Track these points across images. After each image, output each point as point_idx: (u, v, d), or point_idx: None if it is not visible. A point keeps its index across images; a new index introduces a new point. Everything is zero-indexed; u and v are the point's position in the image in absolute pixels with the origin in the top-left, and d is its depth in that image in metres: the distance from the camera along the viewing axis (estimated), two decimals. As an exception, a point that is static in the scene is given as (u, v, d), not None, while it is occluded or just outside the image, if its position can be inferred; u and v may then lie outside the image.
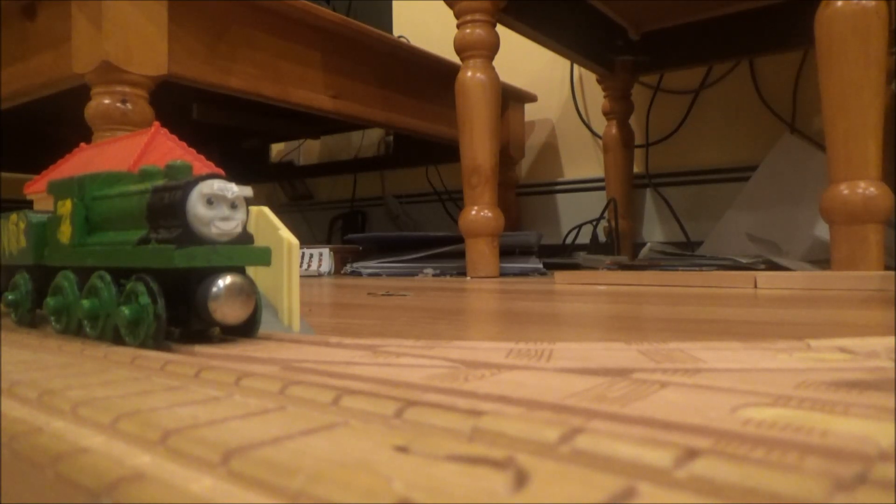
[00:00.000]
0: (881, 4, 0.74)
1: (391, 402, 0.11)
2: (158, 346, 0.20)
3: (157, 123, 0.39)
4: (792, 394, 0.12)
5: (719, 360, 0.15)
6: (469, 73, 1.00)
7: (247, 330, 0.22)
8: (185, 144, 0.38)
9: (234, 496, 0.08)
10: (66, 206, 0.24)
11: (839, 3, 0.74)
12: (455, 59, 1.03)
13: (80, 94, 0.81)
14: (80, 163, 0.40)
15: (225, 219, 0.20)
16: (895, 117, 1.18)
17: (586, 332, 0.34)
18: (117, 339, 0.21)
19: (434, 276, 1.07)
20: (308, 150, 1.98)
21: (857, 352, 0.16)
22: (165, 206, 0.20)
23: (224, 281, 0.20)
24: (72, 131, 0.85)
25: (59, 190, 0.25)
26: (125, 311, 0.20)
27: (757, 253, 1.06)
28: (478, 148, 1.01)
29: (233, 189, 0.21)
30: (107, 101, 0.78)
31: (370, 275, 1.10)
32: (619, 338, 0.31)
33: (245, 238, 0.21)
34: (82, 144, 0.44)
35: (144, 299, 0.20)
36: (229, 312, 0.20)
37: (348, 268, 1.16)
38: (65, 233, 0.24)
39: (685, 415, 0.10)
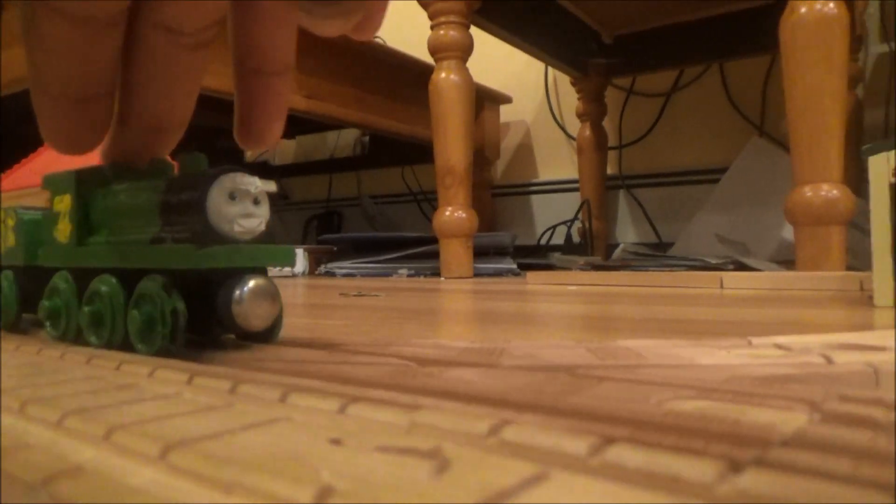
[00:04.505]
0: (843, 11, 0.76)
1: (337, 399, 0.12)
2: (178, 353, 0.18)
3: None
4: (718, 387, 0.12)
5: (660, 357, 0.16)
6: (443, 75, 1.00)
7: (268, 335, 0.20)
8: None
9: (172, 487, 0.08)
10: (65, 202, 0.22)
11: (802, 10, 0.76)
12: (430, 60, 1.03)
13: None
14: (45, 161, 0.40)
15: (248, 215, 0.19)
16: (859, 121, 1.21)
17: (548, 331, 0.35)
18: (126, 348, 0.19)
19: (408, 276, 1.07)
20: (283, 150, 1.97)
21: (792, 348, 0.17)
22: (182, 202, 0.19)
23: (248, 283, 0.18)
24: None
25: (56, 184, 0.23)
26: (137, 315, 0.18)
27: (726, 254, 1.08)
28: (451, 149, 1.01)
29: (256, 183, 0.19)
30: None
31: (344, 275, 1.10)
32: (580, 337, 0.32)
33: (267, 236, 0.19)
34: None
35: (161, 302, 0.18)
36: (254, 317, 0.18)
37: (322, 268, 1.16)
38: (63, 231, 0.22)
39: (613, 407, 0.11)
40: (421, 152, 1.38)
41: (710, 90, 1.42)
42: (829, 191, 0.75)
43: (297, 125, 1.44)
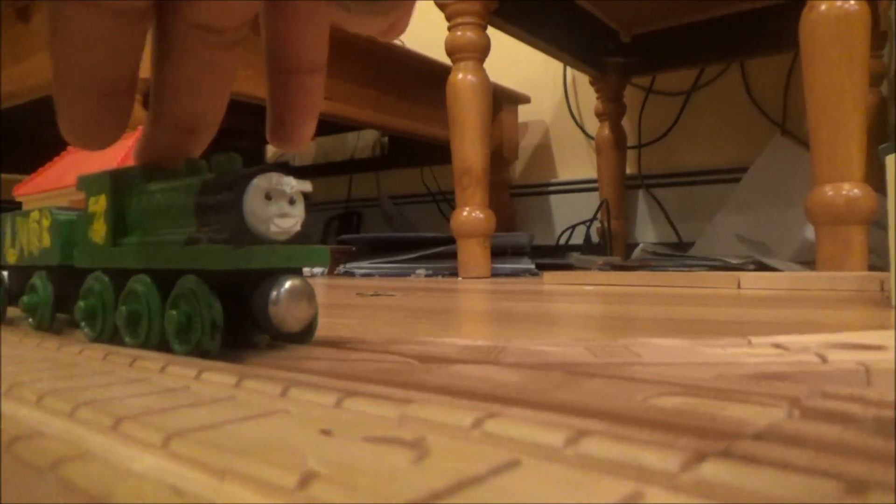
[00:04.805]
0: (864, 8, 0.75)
1: (334, 393, 0.12)
2: (215, 354, 0.18)
3: (140, 127, 0.40)
4: (705, 384, 0.12)
5: (656, 356, 0.16)
6: (460, 76, 1.01)
7: (303, 337, 0.20)
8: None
9: (171, 473, 0.09)
10: (100, 203, 0.22)
11: (823, 7, 0.75)
12: (448, 61, 1.04)
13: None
14: (66, 166, 0.41)
15: (284, 215, 0.18)
16: (883, 119, 1.19)
17: (557, 330, 0.35)
18: (163, 347, 0.19)
19: (426, 276, 1.08)
20: (303, 151, 1.99)
21: (790, 348, 0.17)
22: (218, 202, 0.18)
23: (285, 284, 0.18)
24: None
25: (91, 185, 0.23)
26: (175, 315, 0.18)
27: (747, 254, 1.07)
28: (469, 149, 1.02)
29: (291, 183, 0.19)
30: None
31: (363, 275, 1.10)
32: (588, 336, 0.32)
33: (303, 237, 0.19)
34: (70, 148, 0.45)
35: (198, 302, 0.18)
36: (291, 318, 0.18)
37: (341, 268, 1.17)
38: (98, 232, 0.22)
39: (598, 402, 0.11)
40: (440, 153, 1.39)
41: (731, 88, 1.40)
42: (850, 190, 0.74)
43: (317, 126, 1.45)
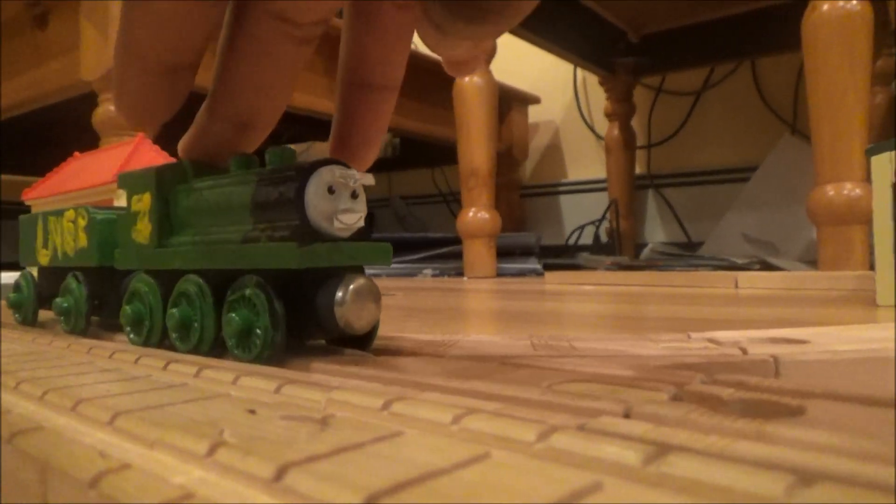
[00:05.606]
0: (866, 8, 0.75)
1: (276, 381, 0.14)
2: (277, 360, 0.17)
3: (140, 134, 0.42)
4: (616, 373, 0.14)
5: (591, 350, 0.17)
6: (466, 78, 1.02)
7: (365, 340, 0.19)
8: (166, 154, 0.40)
9: (112, 445, 0.10)
10: (145, 202, 0.21)
11: (825, 7, 0.76)
12: (453, 63, 1.05)
13: (88, 99, 0.84)
14: (73, 171, 0.43)
15: (346, 211, 0.17)
16: (894, 117, 1.18)
17: (538, 327, 0.36)
18: (219, 353, 0.18)
19: (433, 276, 1.09)
20: (317, 153, 2.01)
21: (722, 342, 0.18)
22: (278, 197, 0.17)
23: (351, 283, 0.17)
24: (77, 135, 0.88)
25: (133, 183, 0.21)
26: (236, 318, 0.17)
27: (754, 253, 1.07)
28: (475, 151, 1.03)
29: (354, 176, 0.17)
30: (114, 108, 0.81)
31: (371, 275, 1.12)
32: (559, 332, 0.33)
33: (364, 233, 0.18)
34: (76, 153, 0.47)
35: (260, 305, 0.17)
36: (358, 319, 0.17)
37: (351, 268, 1.19)
38: (142, 232, 0.21)
39: (504, 388, 0.12)
40: (450, 154, 1.40)
41: (742, 88, 1.40)
42: (851, 190, 0.74)
43: (330, 128, 1.47)
